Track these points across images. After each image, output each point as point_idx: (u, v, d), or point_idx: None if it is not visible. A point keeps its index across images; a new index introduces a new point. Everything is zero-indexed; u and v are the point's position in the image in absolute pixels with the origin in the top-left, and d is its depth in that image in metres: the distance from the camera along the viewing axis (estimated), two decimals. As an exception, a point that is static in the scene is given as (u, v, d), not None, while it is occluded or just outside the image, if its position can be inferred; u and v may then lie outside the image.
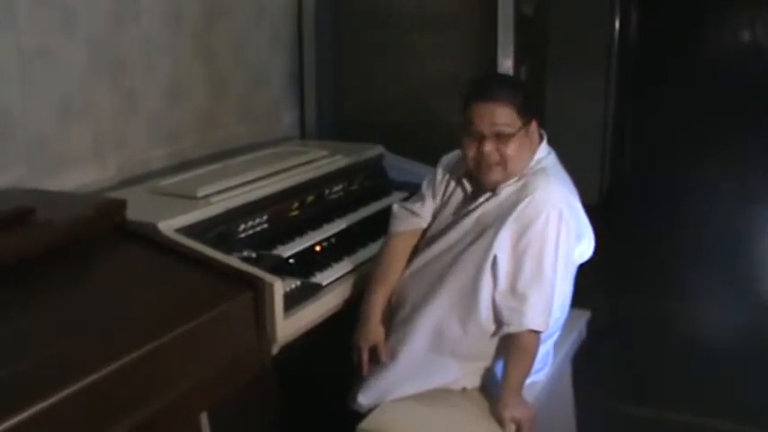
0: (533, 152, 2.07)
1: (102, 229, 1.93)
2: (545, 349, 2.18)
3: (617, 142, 5.28)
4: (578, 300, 2.28)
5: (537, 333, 1.99)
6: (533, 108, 2.07)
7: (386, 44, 3.40)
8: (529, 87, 2.05)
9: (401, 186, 2.87)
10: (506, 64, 3.15)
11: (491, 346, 2.07)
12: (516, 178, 2.05)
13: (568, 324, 2.38)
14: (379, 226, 2.46)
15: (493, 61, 3.14)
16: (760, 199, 4.91)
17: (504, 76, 2.02)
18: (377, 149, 3.01)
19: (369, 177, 2.90)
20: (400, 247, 2.21)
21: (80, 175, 2.42)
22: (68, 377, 1.39)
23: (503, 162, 2.02)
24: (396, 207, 2.29)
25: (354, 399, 2.14)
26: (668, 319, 3.82)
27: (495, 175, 2.04)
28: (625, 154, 5.51)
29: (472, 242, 2.06)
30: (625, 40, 5.23)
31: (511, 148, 2.00)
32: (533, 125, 2.06)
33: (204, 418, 2.00)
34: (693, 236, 4.51)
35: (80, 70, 2.39)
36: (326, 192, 2.67)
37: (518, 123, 2.00)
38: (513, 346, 2.00)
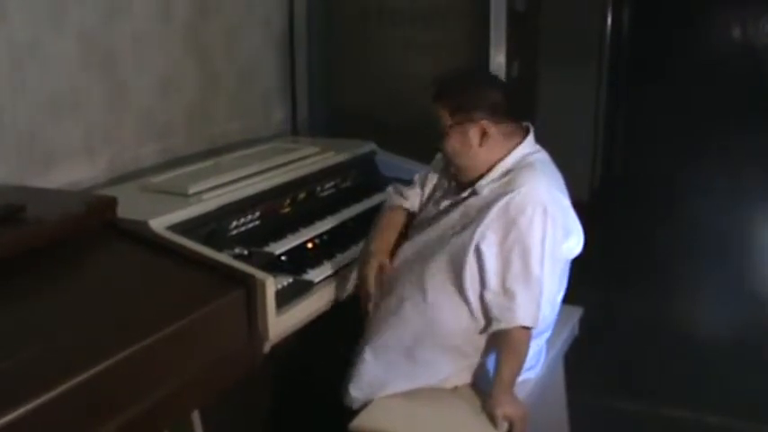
0: (489, 151, 2.07)
1: (93, 227, 1.92)
2: (537, 346, 2.18)
3: (609, 139, 5.27)
4: (570, 296, 2.28)
5: (527, 329, 1.99)
6: (475, 107, 2.05)
7: (377, 40, 3.39)
8: (473, 85, 2.10)
9: (393, 183, 2.86)
10: (498, 60, 3.14)
11: (480, 340, 2.07)
12: (501, 173, 2.06)
13: (561, 321, 2.38)
14: (371, 223, 2.46)
15: (485, 57, 3.14)
16: (754, 197, 4.92)
17: (454, 76, 2.08)
18: (369, 146, 3.01)
19: (361, 174, 2.90)
20: (393, 218, 2.27)
21: (70, 172, 2.40)
22: (58, 375, 1.38)
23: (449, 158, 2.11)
24: (389, 188, 2.38)
25: (346, 394, 2.15)
26: (661, 316, 3.82)
27: (453, 169, 2.13)
28: (617, 150, 5.51)
29: (456, 234, 2.06)
30: (617, 37, 5.23)
31: (446, 144, 2.08)
32: (474, 125, 2.05)
33: (196, 416, 2.00)
34: (686, 233, 4.51)
35: (70, 65, 2.37)
36: (318, 188, 2.66)
37: (449, 121, 2.06)
38: (503, 343, 2.01)
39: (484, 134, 2.05)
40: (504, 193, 1.99)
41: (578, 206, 2.13)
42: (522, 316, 1.96)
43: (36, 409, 1.32)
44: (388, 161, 3.01)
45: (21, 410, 1.29)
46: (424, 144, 2.30)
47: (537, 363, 2.22)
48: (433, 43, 3.30)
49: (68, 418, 1.39)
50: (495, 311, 1.99)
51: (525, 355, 2.03)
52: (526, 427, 2.01)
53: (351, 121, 3.40)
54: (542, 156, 2.12)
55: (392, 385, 2.11)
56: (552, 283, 2.07)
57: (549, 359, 2.32)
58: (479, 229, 1.99)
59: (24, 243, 1.71)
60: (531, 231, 1.96)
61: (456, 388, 2.13)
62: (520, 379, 2.08)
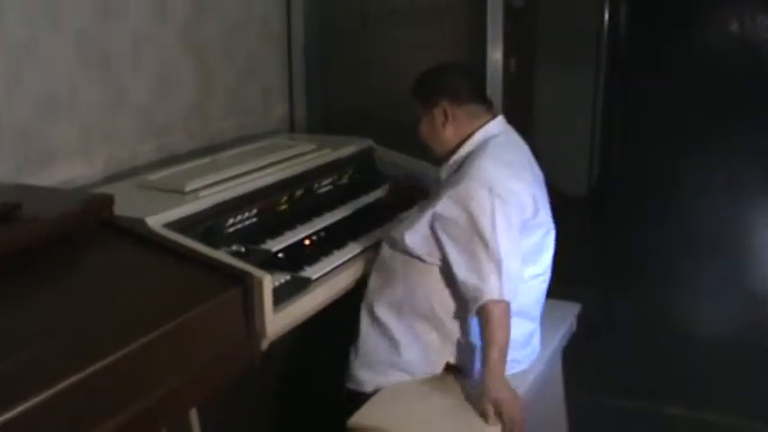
0: (455, 130, 2.25)
1: (90, 225, 1.91)
2: (525, 328, 2.23)
3: (607, 136, 5.27)
4: (569, 294, 2.28)
5: (501, 303, 2.05)
6: (437, 93, 2.27)
7: (375, 37, 3.38)
8: (437, 75, 2.34)
9: (391, 180, 2.86)
10: (496, 57, 3.14)
11: (456, 309, 2.17)
12: (459, 159, 2.22)
13: (558, 317, 2.39)
14: (368, 219, 2.46)
15: (482, 54, 3.13)
16: (754, 196, 4.91)
17: (426, 71, 2.35)
18: (366, 142, 3.00)
19: (358, 171, 2.89)
20: None
21: (67, 170, 2.39)
22: (56, 374, 1.38)
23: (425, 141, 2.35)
24: None
25: (351, 377, 2.22)
26: (658, 312, 3.82)
27: (432, 152, 2.35)
28: (615, 148, 5.51)
29: (419, 210, 2.23)
30: (615, 35, 5.23)
31: (419, 130, 2.33)
32: (437, 108, 2.25)
33: (194, 414, 2.00)
34: (686, 231, 4.51)
35: (67, 64, 2.37)
36: (316, 185, 2.66)
37: (421, 110, 2.31)
38: (483, 323, 2.08)
39: (446, 115, 2.24)
40: (456, 182, 2.15)
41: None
42: (490, 291, 2.05)
43: (34, 408, 1.32)
44: (386, 158, 3.01)
45: (19, 409, 1.29)
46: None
47: (529, 346, 2.27)
48: (430, 40, 3.29)
49: (67, 416, 1.39)
50: (465, 294, 2.10)
51: (506, 330, 2.06)
52: (517, 412, 2.00)
53: (348, 120, 3.39)
54: (504, 138, 2.26)
55: (393, 365, 2.18)
56: (514, 258, 2.13)
57: (547, 355, 2.32)
58: (432, 210, 2.15)
59: (21, 241, 1.71)
60: (482, 212, 2.09)
61: (455, 383, 2.14)
62: (518, 372, 2.09)
